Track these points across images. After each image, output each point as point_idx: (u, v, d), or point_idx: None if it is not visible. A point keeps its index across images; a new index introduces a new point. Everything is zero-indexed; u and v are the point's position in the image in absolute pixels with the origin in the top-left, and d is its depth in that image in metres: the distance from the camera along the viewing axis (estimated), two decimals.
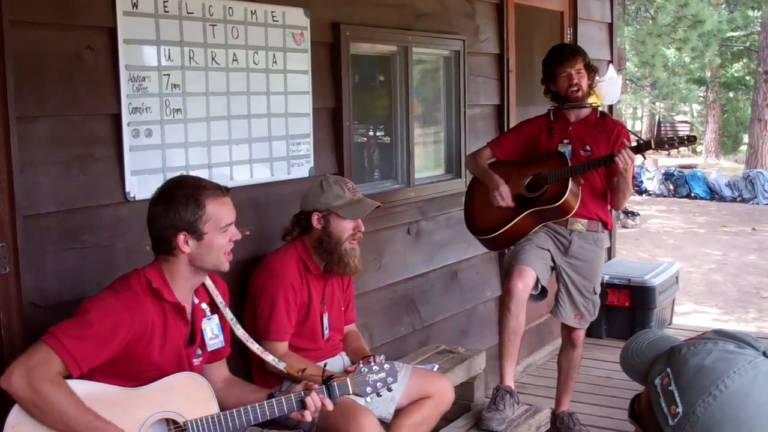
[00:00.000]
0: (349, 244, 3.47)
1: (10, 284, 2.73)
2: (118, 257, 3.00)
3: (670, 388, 1.20)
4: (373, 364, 2.90)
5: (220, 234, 2.69)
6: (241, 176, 3.59)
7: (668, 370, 1.22)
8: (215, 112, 3.43)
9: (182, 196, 2.66)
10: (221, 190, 2.73)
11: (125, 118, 3.05)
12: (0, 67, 2.65)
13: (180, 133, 3.28)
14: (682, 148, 4.21)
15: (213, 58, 3.40)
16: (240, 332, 2.97)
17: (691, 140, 4.20)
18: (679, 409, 1.18)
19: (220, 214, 2.69)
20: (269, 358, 3.08)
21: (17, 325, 2.75)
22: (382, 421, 3.35)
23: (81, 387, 2.46)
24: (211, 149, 3.43)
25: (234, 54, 3.50)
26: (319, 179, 3.56)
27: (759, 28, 23.66)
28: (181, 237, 2.65)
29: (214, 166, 3.44)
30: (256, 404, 2.70)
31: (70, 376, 2.45)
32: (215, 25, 3.40)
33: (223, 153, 3.49)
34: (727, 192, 19.22)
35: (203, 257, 2.70)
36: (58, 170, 2.88)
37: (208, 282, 2.88)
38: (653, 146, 4.19)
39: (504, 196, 4.34)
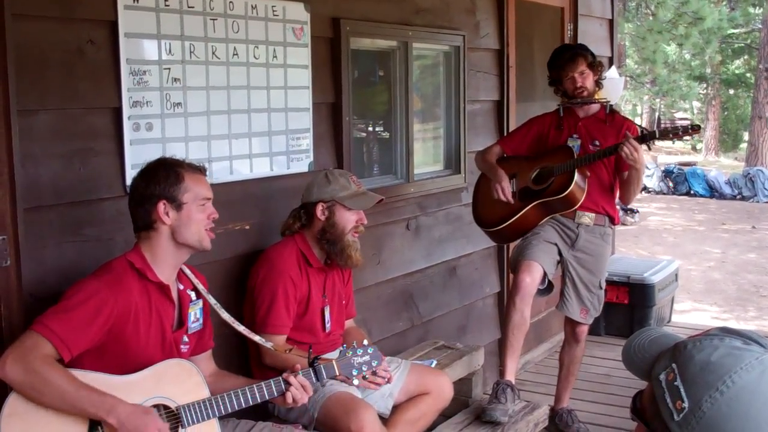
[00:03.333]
0: (351, 237, 3.49)
1: (10, 276, 2.74)
2: (118, 250, 2.99)
3: (675, 383, 1.20)
4: (356, 347, 2.97)
5: (199, 207, 2.77)
6: (241, 170, 3.59)
7: (673, 365, 1.22)
8: (215, 107, 3.43)
9: (163, 170, 2.76)
10: (198, 169, 2.83)
11: (126, 111, 3.05)
12: (1, 60, 2.66)
13: (180, 127, 3.28)
14: (683, 142, 4.22)
15: (213, 53, 3.40)
16: (225, 315, 2.98)
17: (695, 129, 4.18)
18: (685, 405, 1.18)
19: (197, 188, 2.77)
20: (256, 338, 3.09)
21: (17, 317, 2.76)
22: (379, 417, 3.36)
23: (72, 373, 2.48)
24: (211, 143, 3.43)
25: (234, 48, 3.50)
26: (323, 171, 3.58)
27: (760, 25, 23.65)
28: (161, 206, 2.72)
29: (214, 160, 3.44)
30: (246, 387, 2.76)
31: (61, 361, 2.47)
32: (216, 20, 3.40)
33: (223, 147, 3.49)
34: (726, 190, 19.24)
35: (183, 230, 2.75)
36: (58, 163, 2.89)
37: (188, 272, 2.92)
38: (658, 136, 4.20)
39: (504, 190, 4.35)
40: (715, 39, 19.74)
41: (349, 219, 3.48)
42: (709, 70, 27.79)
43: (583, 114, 4.44)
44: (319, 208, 3.47)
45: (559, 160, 4.30)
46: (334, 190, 3.47)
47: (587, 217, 4.37)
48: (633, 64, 23.33)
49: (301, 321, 3.47)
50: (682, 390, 1.19)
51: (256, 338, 3.10)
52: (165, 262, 2.77)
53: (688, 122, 4.06)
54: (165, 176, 2.75)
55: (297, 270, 3.45)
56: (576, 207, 4.30)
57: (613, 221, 4.50)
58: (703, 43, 18.65)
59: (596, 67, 4.43)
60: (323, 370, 2.88)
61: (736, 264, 11.97)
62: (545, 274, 4.30)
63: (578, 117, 4.44)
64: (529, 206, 4.36)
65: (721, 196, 19.11)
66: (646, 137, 4.15)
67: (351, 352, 2.96)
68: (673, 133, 4.15)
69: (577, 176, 4.21)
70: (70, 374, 2.46)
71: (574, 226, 4.39)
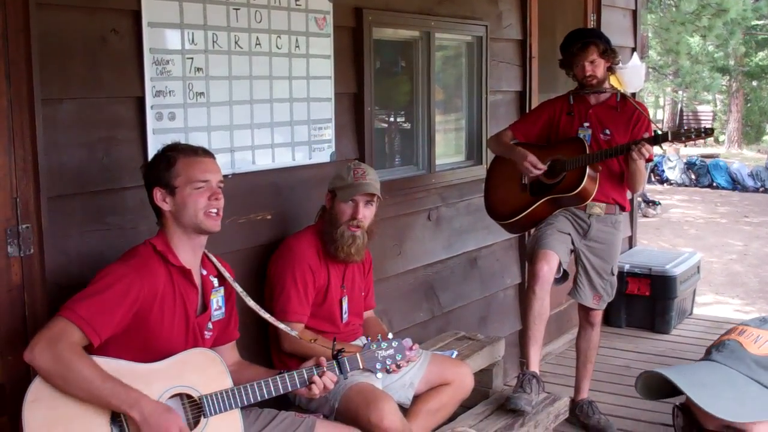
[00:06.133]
0: (348, 230, 3.44)
1: (34, 265, 2.76)
2: (141, 239, 3.00)
3: None
4: (381, 340, 2.96)
5: (194, 191, 2.74)
6: (263, 160, 3.60)
7: None
8: (238, 96, 3.43)
9: (157, 157, 2.81)
10: (196, 151, 2.80)
11: (149, 101, 3.06)
12: (25, 50, 2.67)
13: (203, 117, 3.29)
14: (703, 138, 4.20)
15: (236, 42, 3.40)
16: (251, 303, 3.00)
17: (708, 133, 4.18)
18: None
19: (190, 171, 2.75)
20: (281, 325, 3.11)
21: (41, 305, 2.77)
22: (400, 407, 3.36)
23: (97, 362, 2.49)
24: (234, 133, 3.43)
25: (257, 38, 3.50)
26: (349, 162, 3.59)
27: None
28: (157, 193, 2.75)
29: (236, 150, 3.44)
30: (269, 378, 2.77)
31: (90, 346, 2.49)
32: (238, 9, 3.40)
33: (246, 137, 3.49)
34: (749, 182, 19.07)
35: (182, 214, 2.74)
36: (82, 152, 2.90)
37: (214, 259, 2.93)
38: (670, 138, 4.18)
39: (534, 163, 4.29)
40: (738, 30, 19.59)
41: (342, 210, 3.45)
42: (732, 62, 27.51)
43: (594, 101, 4.42)
44: (327, 196, 3.52)
45: (571, 153, 4.28)
46: (335, 181, 3.50)
47: (598, 208, 4.38)
48: (656, 56, 23.15)
49: (320, 310, 3.47)
50: None
51: (281, 326, 3.11)
52: (183, 247, 2.78)
53: (703, 125, 4.06)
54: (157, 162, 2.78)
55: (316, 258, 3.45)
56: (588, 201, 4.30)
57: (623, 209, 4.52)
58: (727, 34, 18.50)
59: (608, 55, 4.38)
60: (347, 363, 2.88)
61: (758, 257, 11.88)
62: (560, 263, 4.30)
63: (589, 104, 4.42)
64: (541, 201, 4.37)
65: (744, 189, 18.94)
66: (659, 138, 4.15)
67: (375, 345, 2.95)
68: (686, 136, 4.16)
69: (589, 171, 4.21)
70: (97, 365, 2.47)
71: (585, 217, 4.41)
